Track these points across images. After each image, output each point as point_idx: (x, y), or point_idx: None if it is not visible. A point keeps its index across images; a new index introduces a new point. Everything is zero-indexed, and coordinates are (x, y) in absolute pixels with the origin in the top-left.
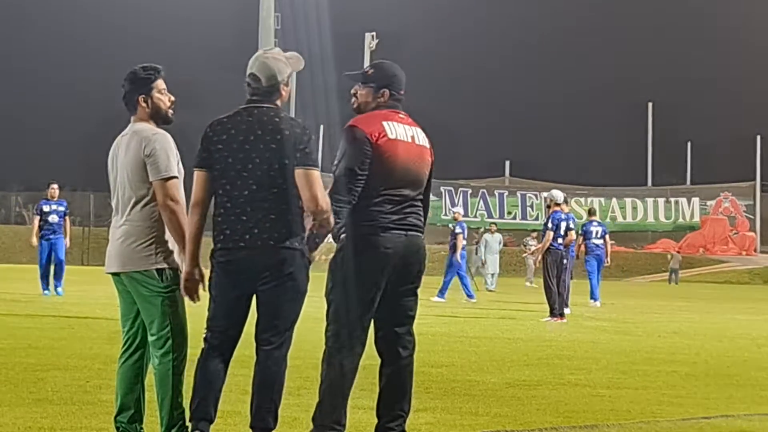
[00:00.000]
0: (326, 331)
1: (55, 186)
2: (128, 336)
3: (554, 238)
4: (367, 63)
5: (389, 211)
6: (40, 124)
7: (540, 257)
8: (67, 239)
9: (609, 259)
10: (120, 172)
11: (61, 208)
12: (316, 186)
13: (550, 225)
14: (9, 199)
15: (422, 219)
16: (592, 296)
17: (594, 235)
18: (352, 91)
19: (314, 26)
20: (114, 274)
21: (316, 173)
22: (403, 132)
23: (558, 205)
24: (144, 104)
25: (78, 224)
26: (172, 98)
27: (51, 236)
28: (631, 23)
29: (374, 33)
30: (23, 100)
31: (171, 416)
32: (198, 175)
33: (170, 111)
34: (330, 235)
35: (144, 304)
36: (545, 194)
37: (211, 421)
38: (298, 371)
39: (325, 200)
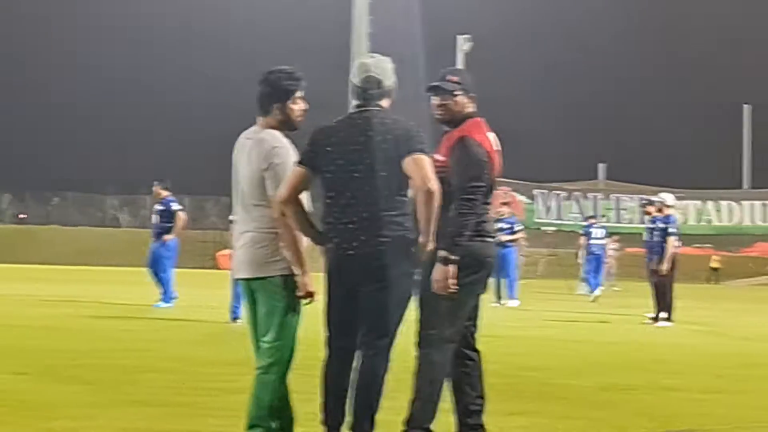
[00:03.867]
0: (427, 332)
1: (155, 186)
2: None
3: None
4: (460, 66)
5: (488, 220)
6: (137, 126)
7: (670, 264)
8: (171, 234)
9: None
10: (242, 179)
11: (162, 208)
12: (426, 168)
13: (674, 230)
14: (105, 202)
15: None
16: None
17: (594, 236)
18: (437, 102)
19: (406, 29)
20: (242, 279)
21: (424, 157)
22: (495, 141)
23: (669, 207)
24: (278, 112)
25: None
26: (304, 107)
27: (151, 240)
28: (730, 24)
29: (467, 36)
30: (120, 101)
31: (258, 418)
32: (296, 171)
33: (299, 119)
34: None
35: (266, 310)
36: (655, 198)
37: (341, 424)
38: (391, 374)
39: (434, 182)
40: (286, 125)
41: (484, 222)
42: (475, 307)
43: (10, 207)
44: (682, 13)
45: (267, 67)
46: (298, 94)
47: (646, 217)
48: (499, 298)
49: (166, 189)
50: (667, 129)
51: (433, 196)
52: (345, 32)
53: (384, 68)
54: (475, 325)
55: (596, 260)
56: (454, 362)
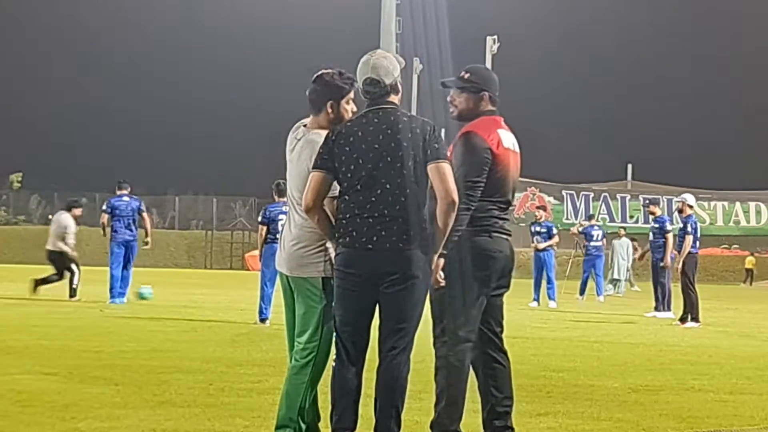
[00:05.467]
0: (439, 330)
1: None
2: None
3: (693, 242)
4: (489, 67)
5: (497, 216)
6: (165, 128)
7: (681, 263)
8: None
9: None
10: (291, 178)
11: None
12: (448, 178)
13: (689, 229)
14: None
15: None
16: (599, 292)
17: (595, 237)
18: (449, 99)
19: (434, 30)
20: (282, 275)
21: (448, 166)
22: (510, 140)
23: (691, 207)
24: (330, 110)
25: (201, 228)
26: (355, 108)
27: None
28: (759, 25)
29: (496, 36)
30: (147, 102)
31: (288, 419)
32: (315, 176)
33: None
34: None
35: (303, 310)
36: (676, 198)
37: (353, 429)
38: (419, 375)
39: (456, 193)
40: (336, 124)
41: (493, 218)
42: (497, 307)
43: (38, 208)
44: (710, 14)
45: (295, 69)
46: (351, 94)
47: (651, 217)
48: (537, 298)
49: (120, 189)
50: (695, 130)
51: (454, 207)
52: (373, 33)
53: (383, 66)
54: (500, 325)
55: (594, 261)
56: (480, 364)
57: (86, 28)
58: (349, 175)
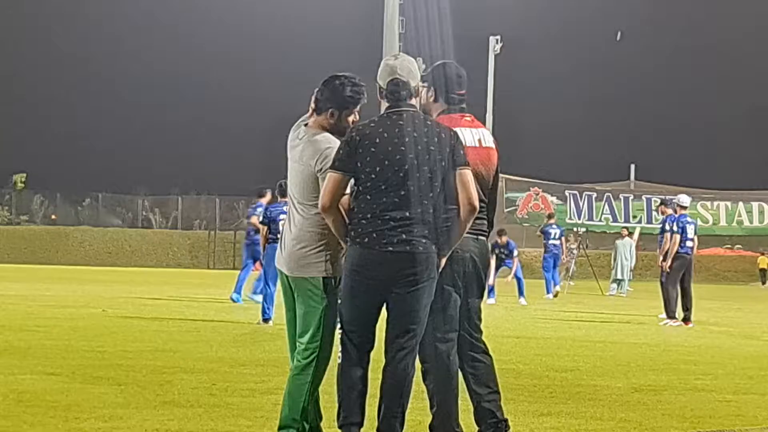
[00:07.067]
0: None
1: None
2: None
3: (681, 242)
4: (491, 67)
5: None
6: (167, 128)
7: (669, 262)
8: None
9: (565, 257)
10: (292, 177)
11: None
12: (470, 186)
13: (675, 228)
14: (135, 203)
15: (487, 221)
16: (549, 290)
17: (552, 236)
18: None
19: (438, 30)
20: (283, 274)
21: (470, 173)
22: (470, 137)
23: (684, 208)
24: (331, 117)
25: (204, 228)
26: (357, 119)
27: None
28: (757, 23)
29: (499, 36)
30: (150, 103)
31: (291, 419)
32: (335, 178)
33: (348, 129)
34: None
35: (304, 310)
36: (674, 198)
37: (361, 425)
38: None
39: (477, 200)
40: (335, 131)
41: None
42: (472, 311)
43: (41, 208)
44: (713, 14)
45: (298, 69)
46: (357, 108)
47: (660, 216)
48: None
49: (259, 197)
50: (699, 130)
51: (474, 213)
52: (376, 33)
53: (409, 69)
54: (476, 328)
55: (554, 258)
56: (461, 367)
57: (89, 29)
58: (373, 176)
